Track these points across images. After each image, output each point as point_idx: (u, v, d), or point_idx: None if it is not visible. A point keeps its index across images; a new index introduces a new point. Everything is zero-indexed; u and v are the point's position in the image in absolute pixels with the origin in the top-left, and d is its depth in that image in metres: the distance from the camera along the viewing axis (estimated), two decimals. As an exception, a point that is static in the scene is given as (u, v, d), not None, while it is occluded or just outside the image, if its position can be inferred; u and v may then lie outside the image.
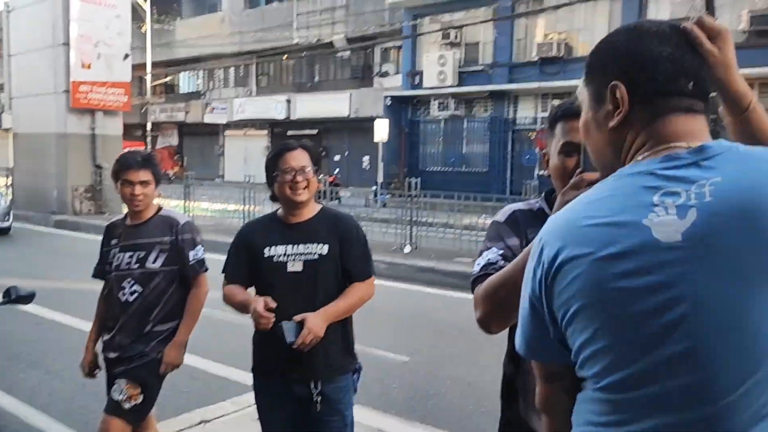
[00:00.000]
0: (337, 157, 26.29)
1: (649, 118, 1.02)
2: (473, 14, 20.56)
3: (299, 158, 2.40)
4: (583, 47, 19.25)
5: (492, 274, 1.46)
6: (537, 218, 1.58)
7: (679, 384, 0.90)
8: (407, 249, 10.07)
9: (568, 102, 1.57)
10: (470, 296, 1.51)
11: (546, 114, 19.12)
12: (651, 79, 1.02)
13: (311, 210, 2.45)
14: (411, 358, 5.37)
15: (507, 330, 1.58)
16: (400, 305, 7.19)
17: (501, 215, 1.67)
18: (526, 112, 20.37)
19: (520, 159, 20.23)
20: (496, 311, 1.41)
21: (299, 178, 2.36)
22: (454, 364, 5.26)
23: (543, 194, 1.70)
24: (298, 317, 2.26)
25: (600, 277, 0.94)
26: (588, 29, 19.03)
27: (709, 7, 12.33)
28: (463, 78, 21.01)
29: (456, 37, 20.79)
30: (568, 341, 1.00)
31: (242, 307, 2.39)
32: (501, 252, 1.57)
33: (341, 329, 2.42)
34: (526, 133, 20.45)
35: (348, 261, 2.41)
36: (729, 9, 15.76)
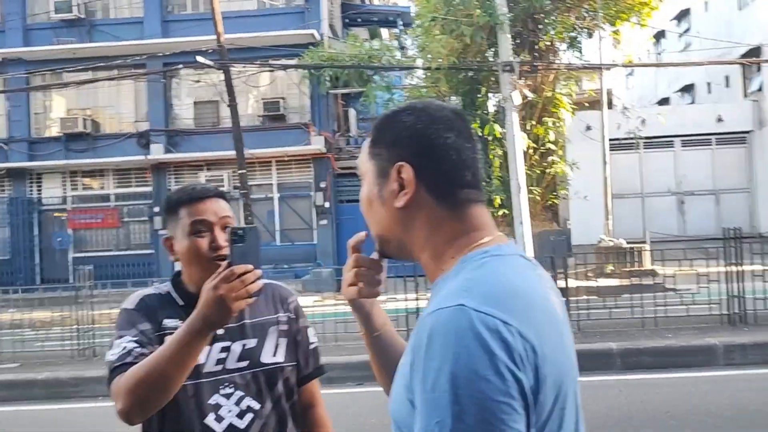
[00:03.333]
0: None
1: (444, 206, 1.04)
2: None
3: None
4: (111, 124, 18.88)
5: (132, 362, 1.45)
6: (167, 302, 1.62)
7: None
8: None
9: (189, 187, 1.66)
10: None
11: (76, 193, 17.99)
12: (438, 166, 1.04)
13: None
14: None
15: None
16: None
17: (130, 302, 1.63)
18: (53, 191, 18.75)
19: (51, 242, 18.41)
20: (140, 403, 1.41)
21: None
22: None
23: (171, 279, 1.69)
24: None
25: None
26: (114, 106, 18.77)
27: (230, 93, 13.52)
28: (-30, 154, 18.26)
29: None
30: None
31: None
32: (136, 338, 1.53)
33: None
34: (56, 214, 18.78)
35: None
36: (245, 95, 17.61)
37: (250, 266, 1.33)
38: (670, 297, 7.93)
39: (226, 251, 1.54)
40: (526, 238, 13.29)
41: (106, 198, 18.68)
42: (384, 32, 23.43)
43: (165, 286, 1.68)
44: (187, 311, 1.54)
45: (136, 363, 1.46)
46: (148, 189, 18.30)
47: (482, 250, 1.01)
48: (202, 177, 17.69)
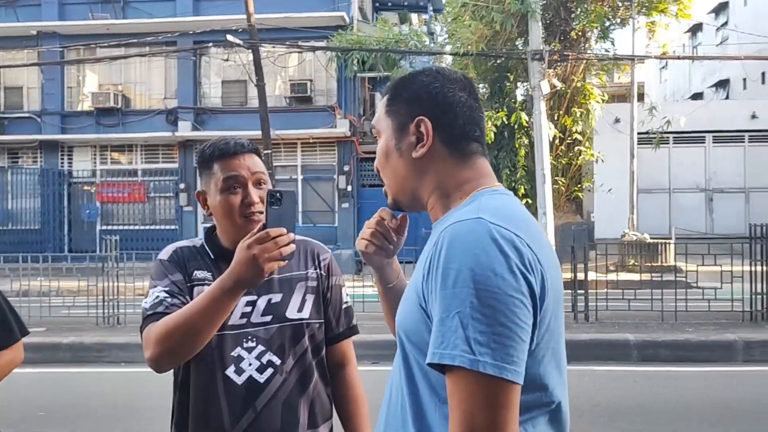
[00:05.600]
0: None
1: (456, 156, 1.14)
2: (13, 56, 18.50)
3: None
4: (141, 100, 19.11)
5: (163, 312, 1.50)
6: (200, 255, 1.64)
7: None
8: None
9: (222, 141, 1.63)
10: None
11: (105, 167, 18.25)
12: (453, 121, 1.14)
13: None
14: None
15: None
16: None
17: (164, 254, 1.66)
18: (83, 164, 19.08)
19: (80, 214, 18.76)
20: (169, 353, 1.46)
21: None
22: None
23: (205, 232, 1.70)
24: None
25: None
26: (144, 83, 18.99)
27: (258, 73, 13.59)
28: (4, 125, 18.61)
29: (-7, 78, 18.37)
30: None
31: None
32: (167, 288, 1.57)
33: None
34: (85, 187, 19.13)
35: None
36: (273, 76, 17.69)
37: (284, 229, 1.37)
38: (692, 293, 7.86)
39: (257, 207, 1.58)
40: (549, 228, 13.22)
41: (133, 173, 18.96)
42: (414, 17, 23.31)
43: (199, 240, 1.70)
44: (218, 264, 1.61)
45: (167, 313, 1.50)
46: (175, 165, 18.53)
47: (492, 188, 1.14)
48: (229, 156, 17.83)
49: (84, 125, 18.52)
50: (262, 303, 1.60)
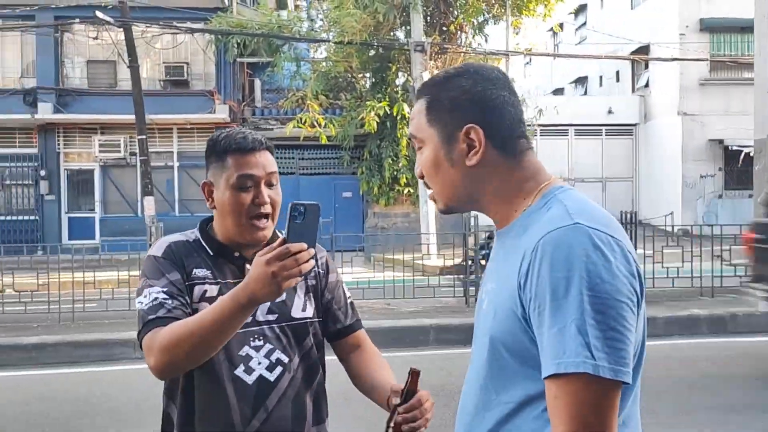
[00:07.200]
0: None
1: (508, 157, 1.14)
2: None
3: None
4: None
5: (166, 316, 1.43)
6: (195, 251, 1.57)
7: None
8: None
9: (239, 134, 1.55)
10: None
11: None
12: (501, 123, 1.14)
13: None
14: None
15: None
16: None
17: (156, 249, 1.56)
18: None
19: None
20: (175, 362, 1.39)
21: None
22: None
23: (199, 225, 1.63)
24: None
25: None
26: (-2, 59, 17.32)
27: (131, 53, 12.82)
28: None
29: None
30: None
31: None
32: (165, 289, 1.48)
33: None
34: None
35: None
36: (146, 58, 16.74)
37: (305, 245, 1.31)
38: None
39: (267, 209, 1.53)
40: (430, 216, 13.65)
41: (-15, 158, 17.27)
42: (290, 2, 22.97)
43: (192, 233, 1.62)
44: (217, 261, 1.54)
45: (169, 317, 1.44)
46: (34, 150, 17.08)
47: (557, 186, 1.15)
48: (96, 140, 16.73)
49: (-76, 104, 16.59)
50: None
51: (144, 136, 13.14)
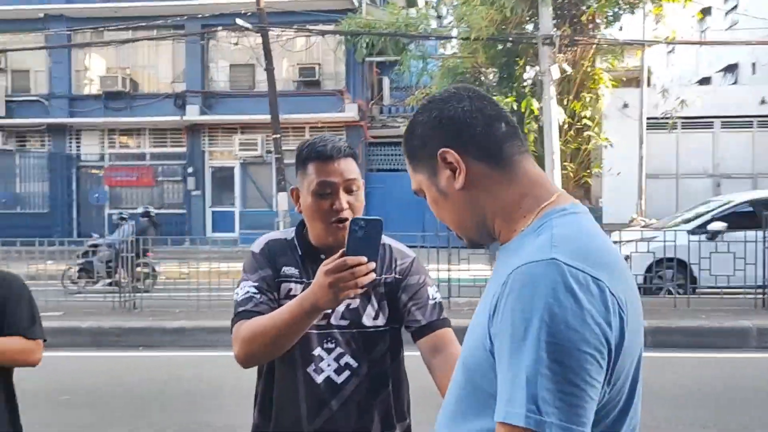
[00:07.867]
0: None
1: (496, 167, 1.07)
2: (20, 38, 18.46)
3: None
4: (149, 84, 19.08)
5: (252, 310, 1.56)
6: (290, 249, 1.66)
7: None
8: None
9: (321, 142, 1.62)
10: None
11: (113, 150, 18.26)
12: (471, 134, 1.07)
13: None
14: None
15: None
16: None
17: (257, 245, 1.69)
18: (92, 148, 19.11)
19: (88, 198, 18.82)
20: (253, 355, 1.53)
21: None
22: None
23: (297, 226, 1.71)
24: None
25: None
26: (152, 67, 18.96)
27: (267, 57, 13.56)
28: (12, 108, 18.63)
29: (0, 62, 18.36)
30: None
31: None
32: (257, 284, 1.61)
33: None
34: (93, 170, 19.17)
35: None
36: (281, 60, 17.64)
37: (363, 258, 1.33)
38: (704, 278, 7.88)
39: (345, 214, 1.57)
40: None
41: (141, 156, 19.00)
42: (420, 0, 23.16)
43: (290, 232, 1.71)
44: (305, 262, 1.64)
45: (255, 311, 1.56)
46: (182, 150, 18.55)
47: (560, 207, 1.04)
48: (236, 140, 17.86)
49: (92, 109, 18.53)
50: (341, 306, 1.60)
51: (278, 135, 13.87)
